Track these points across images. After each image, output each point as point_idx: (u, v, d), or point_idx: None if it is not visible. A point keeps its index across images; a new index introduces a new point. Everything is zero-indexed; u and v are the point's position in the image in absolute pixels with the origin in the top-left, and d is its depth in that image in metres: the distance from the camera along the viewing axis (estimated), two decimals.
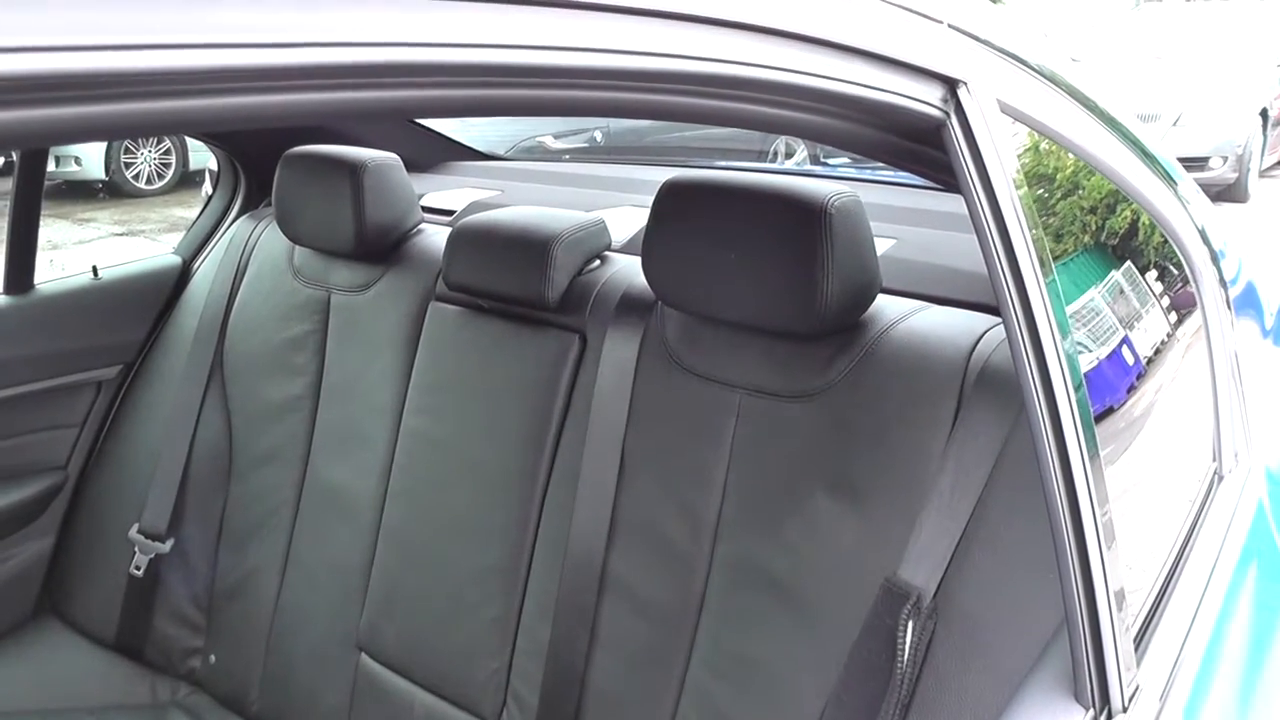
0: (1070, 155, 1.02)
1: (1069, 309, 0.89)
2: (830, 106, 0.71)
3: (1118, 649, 0.76)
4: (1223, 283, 1.24)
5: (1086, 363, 0.93)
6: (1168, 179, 1.24)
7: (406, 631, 1.65)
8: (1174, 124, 9.25)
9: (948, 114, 0.76)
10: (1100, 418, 0.92)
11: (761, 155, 4.74)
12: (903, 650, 1.04)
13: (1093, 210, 1.14)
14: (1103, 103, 1.06)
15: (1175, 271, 1.29)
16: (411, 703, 1.64)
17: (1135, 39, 11.32)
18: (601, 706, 1.40)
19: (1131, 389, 1.10)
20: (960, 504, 1.07)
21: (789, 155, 4.89)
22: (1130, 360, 1.10)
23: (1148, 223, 1.23)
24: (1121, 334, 1.10)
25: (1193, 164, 9.06)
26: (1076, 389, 0.82)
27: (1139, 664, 0.81)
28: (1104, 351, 1.05)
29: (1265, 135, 9.95)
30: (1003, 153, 0.78)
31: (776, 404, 1.26)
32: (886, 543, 1.12)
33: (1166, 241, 1.27)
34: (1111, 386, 1.05)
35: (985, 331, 1.17)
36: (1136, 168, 1.14)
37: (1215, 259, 1.25)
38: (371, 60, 0.42)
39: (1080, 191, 1.11)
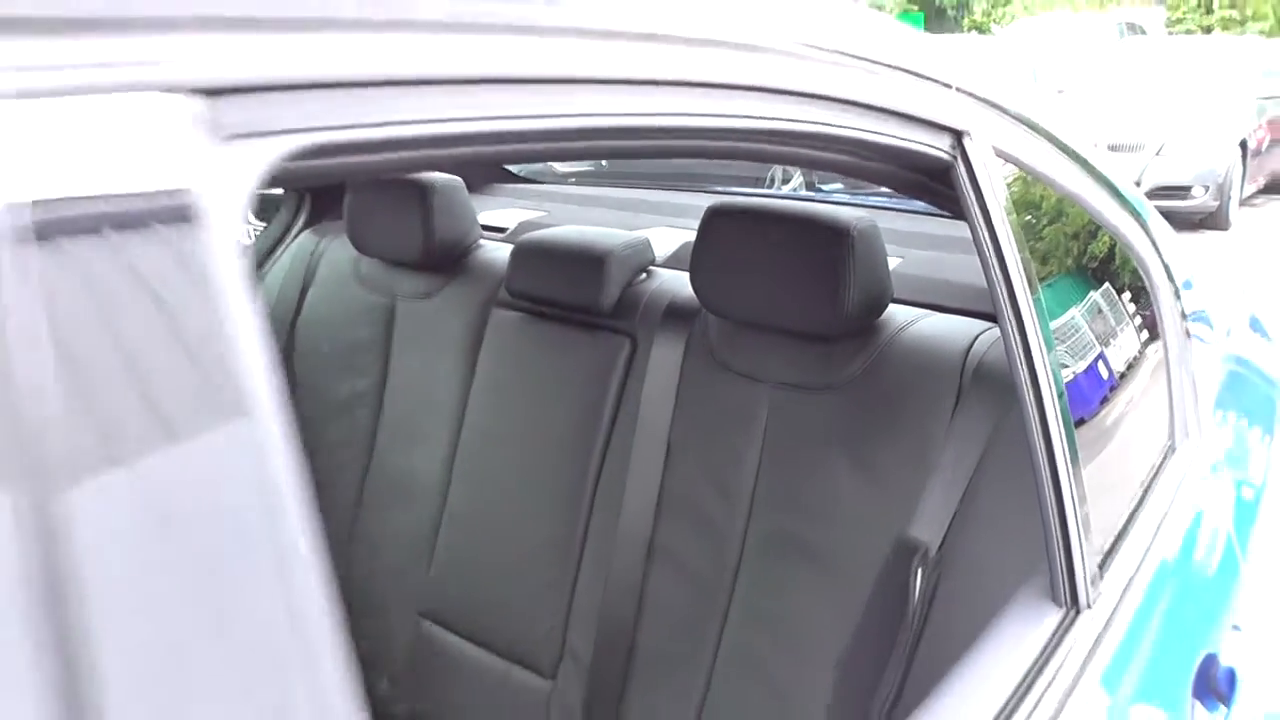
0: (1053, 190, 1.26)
1: (1053, 322, 1.13)
2: (868, 153, 0.94)
3: (1085, 564, 0.99)
4: (1178, 296, 1.48)
5: (1062, 355, 1.17)
6: (1135, 214, 1.48)
7: (468, 596, 1.88)
8: (1157, 153, 9.52)
9: (955, 158, 0.99)
10: (1073, 403, 1.16)
11: (759, 181, 4.99)
12: (914, 593, 1.27)
13: (1075, 236, 1.39)
14: (1077, 146, 1.30)
15: (1139, 288, 1.53)
16: (472, 660, 1.86)
17: (1120, 71, 11.61)
18: (648, 662, 1.63)
19: (1100, 381, 1.34)
20: (960, 475, 1.31)
21: (785, 181, 5.14)
22: (1097, 357, 1.34)
23: (1119, 249, 1.47)
24: (1090, 337, 1.34)
25: (1175, 192, 9.32)
26: (1055, 378, 1.06)
27: (1102, 579, 1.04)
28: (1078, 350, 1.29)
29: (1245, 165, 10.23)
30: (998, 190, 1.02)
31: (804, 395, 1.50)
32: (899, 509, 1.36)
33: (1134, 267, 1.51)
34: (1084, 379, 1.29)
35: (978, 335, 1.41)
36: (1107, 203, 1.38)
37: (1171, 278, 1.49)
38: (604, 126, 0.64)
39: (1064, 218, 1.35)
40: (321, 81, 0.45)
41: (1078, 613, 0.98)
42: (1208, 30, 20.03)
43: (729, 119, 0.78)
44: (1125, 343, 1.44)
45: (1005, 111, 1.11)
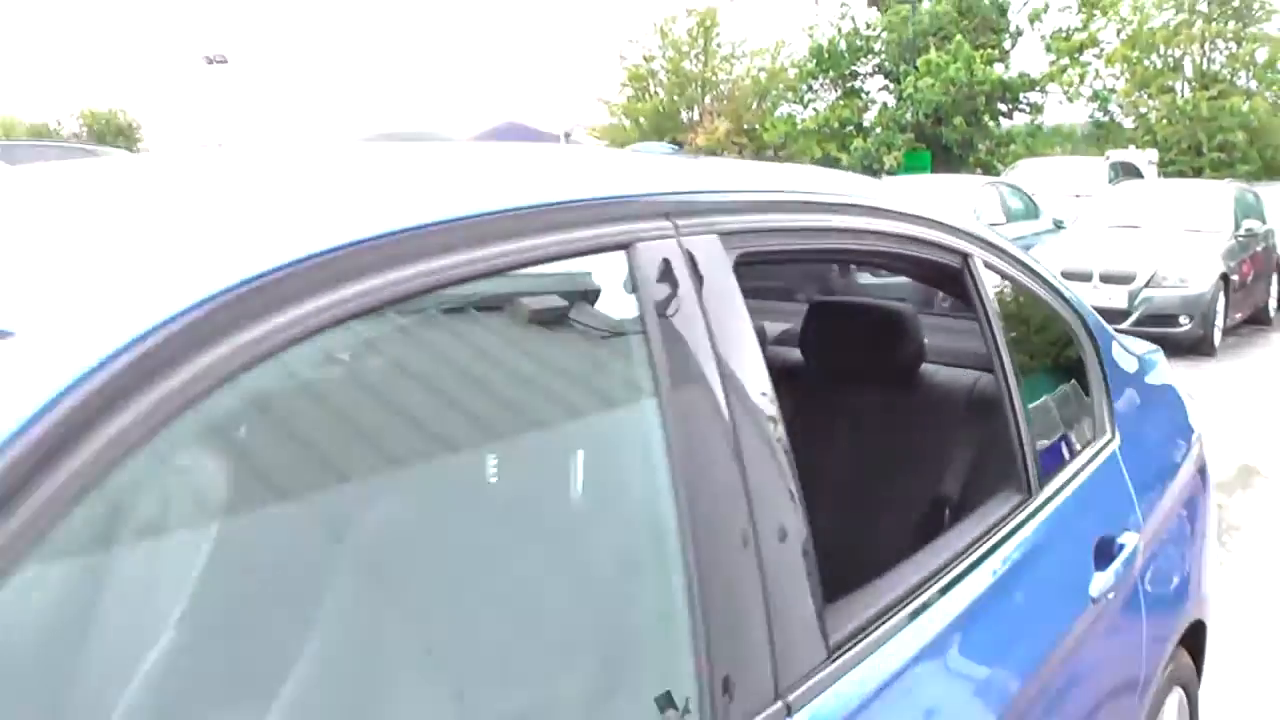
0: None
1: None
2: (921, 263, 1.85)
3: (1029, 468, 1.83)
4: (1099, 357, 2.33)
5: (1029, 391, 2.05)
6: (1074, 307, 2.36)
7: None
8: (1147, 284, 10.45)
9: (964, 269, 1.89)
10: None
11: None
12: (947, 516, 2.13)
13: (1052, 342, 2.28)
14: (1035, 264, 2.20)
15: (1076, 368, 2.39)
16: None
17: (1114, 209, 12.67)
18: None
19: (1048, 388, 2.21)
20: (965, 455, 2.18)
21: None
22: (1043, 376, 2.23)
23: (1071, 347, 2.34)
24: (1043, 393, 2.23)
25: (1164, 321, 10.21)
26: (1023, 398, 1.93)
27: (1041, 483, 1.88)
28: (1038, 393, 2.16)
29: (1228, 298, 11.14)
30: (989, 287, 1.91)
31: (874, 417, 2.38)
32: (933, 482, 2.22)
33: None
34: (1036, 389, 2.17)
35: (975, 380, 2.30)
36: (1054, 295, 2.26)
37: (1094, 339, 2.34)
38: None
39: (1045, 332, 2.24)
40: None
41: (1030, 496, 1.82)
42: (1198, 172, 21.31)
43: (868, 241, 1.69)
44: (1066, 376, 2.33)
45: (990, 243, 2.02)
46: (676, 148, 20.41)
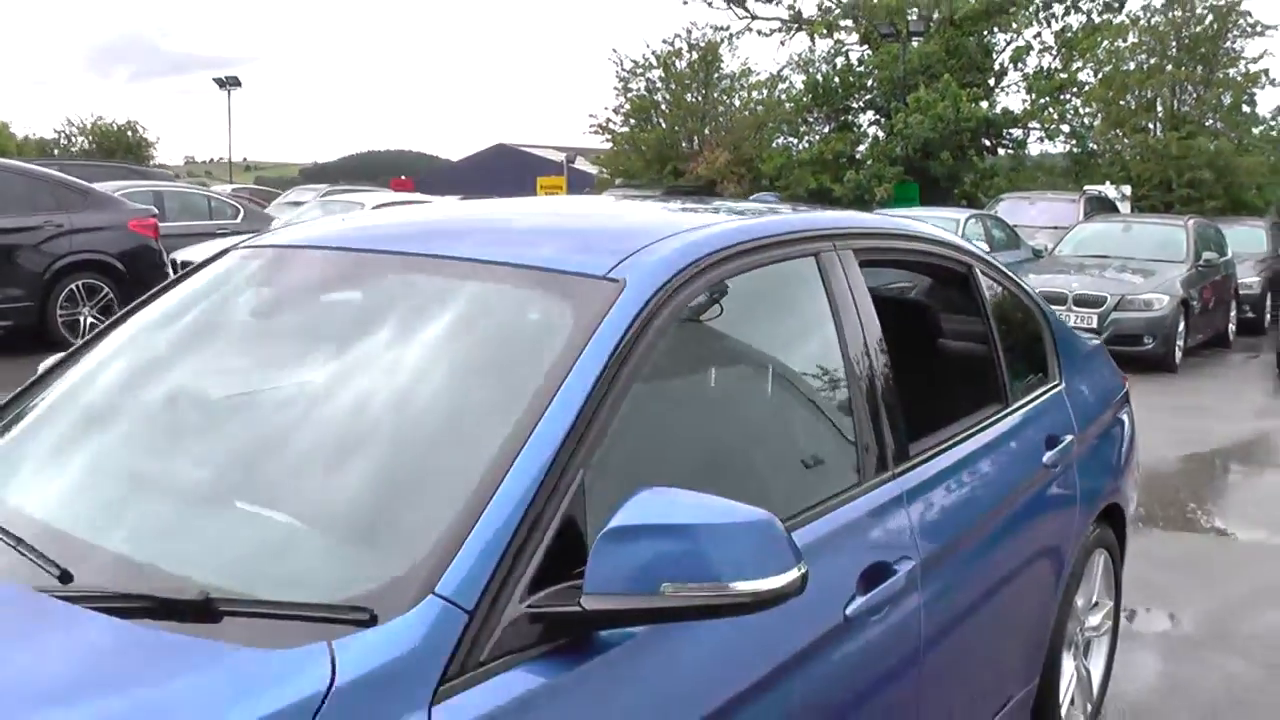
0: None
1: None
2: (945, 272, 3.13)
3: (1007, 391, 3.08)
4: (1053, 334, 3.60)
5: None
6: (1036, 300, 3.62)
7: None
8: (1115, 307, 11.78)
9: (969, 274, 3.16)
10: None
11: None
12: None
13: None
14: (1017, 278, 3.47)
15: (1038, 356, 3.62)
16: None
17: (1086, 241, 14.08)
18: None
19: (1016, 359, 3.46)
20: None
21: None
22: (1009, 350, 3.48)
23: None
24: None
25: (1130, 340, 11.51)
26: (1004, 358, 3.19)
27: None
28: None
29: (1188, 322, 12.47)
30: (984, 288, 3.17)
31: (921, 359, 3.64)
32: (956, 396, 3.45)
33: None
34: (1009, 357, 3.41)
35: (973, 347, 3.55)
36: (1024, 291, 3.52)
37: (1049, 324, 3.60)
38: None
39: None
40: None
41: (1006, 405, 3.08)
42: (1169, 206, 22.74)
43: (918, 255, 2.96)
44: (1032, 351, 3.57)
45: (983, 259, 3.29)
46: (776, 196, 22.38)
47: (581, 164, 41.27)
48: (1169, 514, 6.44)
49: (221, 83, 47.51)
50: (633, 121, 31.69)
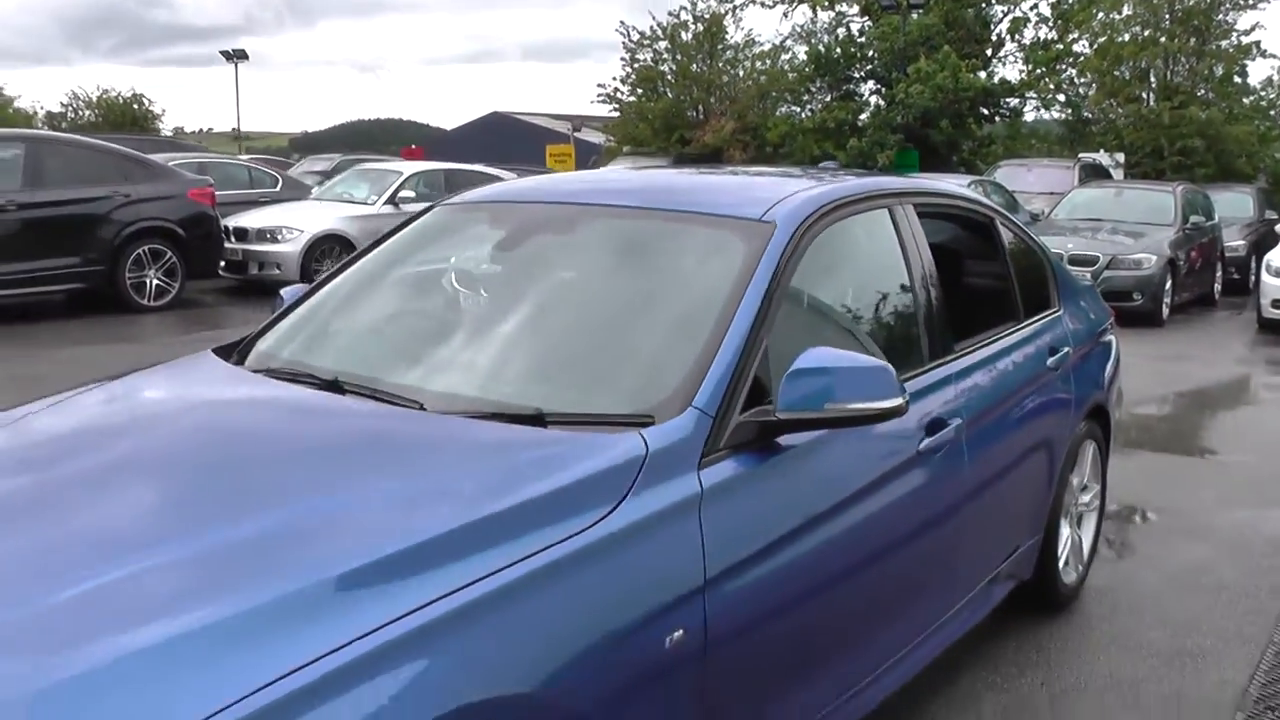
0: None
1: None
2: (975, 223, 4.10)
3: (1019, 310, 4.04)
4: (1054, 274, 4.56)
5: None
6: (1043, 248, 4.59)
7: None
8: (1108, 266, 12.76)
9: (991, 225, 4.14)
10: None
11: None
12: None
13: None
14: (1025, 227, 4.44)
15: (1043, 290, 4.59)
16: None
17: (1081, 206, 15.07)
18: None
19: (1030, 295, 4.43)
20: None
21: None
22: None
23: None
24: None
25: (1121, 297, 12.50)
26: (1018, 288, 4.17)
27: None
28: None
29: (1175, 280, 13.47)
30: (1005, 234, 4.15)
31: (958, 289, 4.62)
32: (984, 312, 4.44)
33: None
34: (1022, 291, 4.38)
35: (993, 283, 4.52)
36: (1033, 241, 4.49)
37: (1052, 268, 4.58)
38: None
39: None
40: None
41: (1019, 322, 4.03)
42: (1160, 174, 23.67)
43: (957, 210, 3.93)
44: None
45: (1001, 212, 4.26)
46: (836, 163, 23.56)
47: (585, 133, 42.01)
48: (1154, 439, 7.46)
49: (229, 55, 48.16)
50: (640, 91, 32.50)
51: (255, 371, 3.00)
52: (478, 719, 1.76)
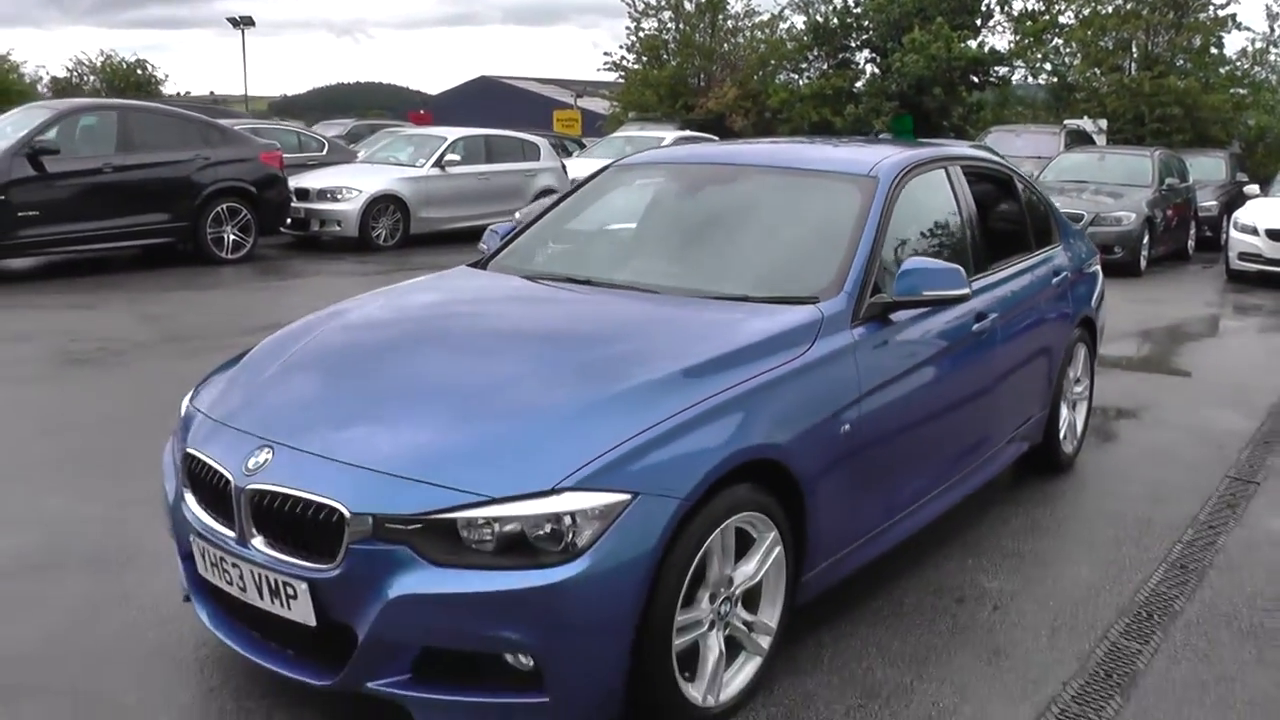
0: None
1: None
2: (992, 178, 5.54)
3: (1031, 243, 5.47)
4: (1068, 241, 5.98)
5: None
6: (1048, 203, 6.02)
7: None
8: (1091, 223, 14.22)
9: (1011, 179, 5.57)
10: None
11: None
12: None
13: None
14: (1034, 184, 5.86)
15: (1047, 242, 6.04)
16: None
17: (1066, 170, 16.54)
18: None
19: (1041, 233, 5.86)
20: None
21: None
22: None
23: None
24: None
25: (1104, 250, 13.85)
26: (1030, 226, 5.62)
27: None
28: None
29: (1153, 236, 14.95)
30: (1020, 188, 5.58)
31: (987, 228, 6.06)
32: (1004, 243, 5.87)
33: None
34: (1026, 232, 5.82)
35: (1009, 224, 5.96)
36: (1040, 198, 5.92)
37: (1053, 215, 6.00)
38: None
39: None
40: None
41: (1030, 251, 5.45)
42: (1140, 139, 25.13)
43: (989, 170, 5.36)
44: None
45: (1016, 171, 5.70)
46: (891, 134, 25.12)
47: (583, 101, 43.14)
48: (1133, 363, 8.97)
49: (235, 22, 49.07)
50: (645, 59, 33.76)
51: (514, 276, 4.43)
52: (756, 454, 3.20)
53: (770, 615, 3.41)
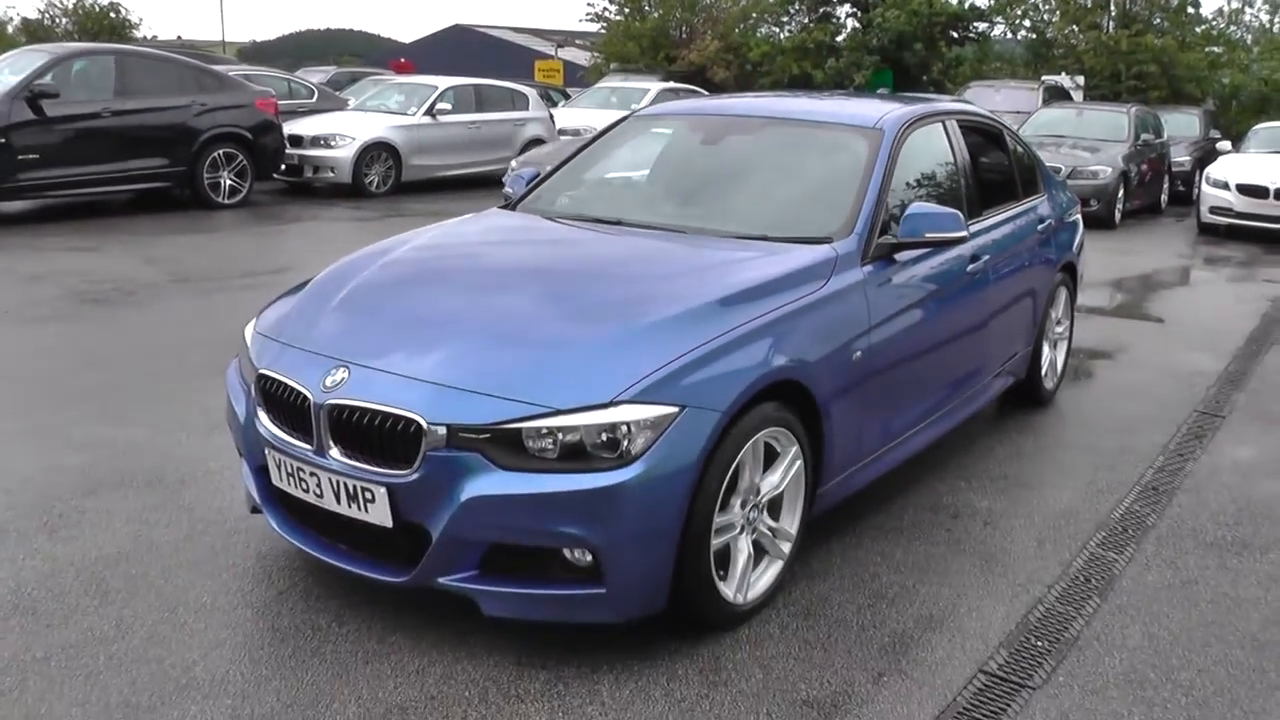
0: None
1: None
2: (983, 132, 5.90)
3: (1019, 193, 5.86)
4: (1052, 191, 6.36)
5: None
6: (1034, 155, 6.39)
7: None
8: (1069, 176, 14.62)
9: (1001, 134, 5.93)
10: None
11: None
12: None
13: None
14: (1020, 137, 6.23)
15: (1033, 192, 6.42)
16: None
17: (1045, 125, 16.93)
18: None
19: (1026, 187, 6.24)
20: None
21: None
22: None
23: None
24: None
25: (1081, 202, 14.40)
26: (1019, 178, 6.00)
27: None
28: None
29: (1127, 189, 15.38)
30: (1009, 139, 5.94)
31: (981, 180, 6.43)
32: (991, 192, 6.25)
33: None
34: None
35: (1001, 175, 6.33)
36: (1026, 151, 6.29)
37: (1038, 172, 6.38)
38: None
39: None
40: None
41: (1017, 199, 5.84)
42: (1117, 96, 25.53)
43: (980, 124, 5.72)
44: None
45: (1005, 126, 6.06)
46: (889, 90, 25.43)
47: (563, 52, 43.09)
48: (1108, 309, 9.41)
49: None
50: (627, 10, 33.81)
51: (545, 218, 4.77)
52: (782, 375, 3.57)
53: (791, 523, 3.80)
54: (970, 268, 4.85)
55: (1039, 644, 3.62)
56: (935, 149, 5.12)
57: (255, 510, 3.87)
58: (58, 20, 53.56)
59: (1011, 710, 3.23)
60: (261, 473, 3.74)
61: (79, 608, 3.64)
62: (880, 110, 4.86)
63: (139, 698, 3.13)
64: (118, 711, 3.07)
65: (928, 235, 4.28)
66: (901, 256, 4.37)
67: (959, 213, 4.35)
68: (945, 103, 5.91)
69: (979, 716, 3.20)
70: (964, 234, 4.35)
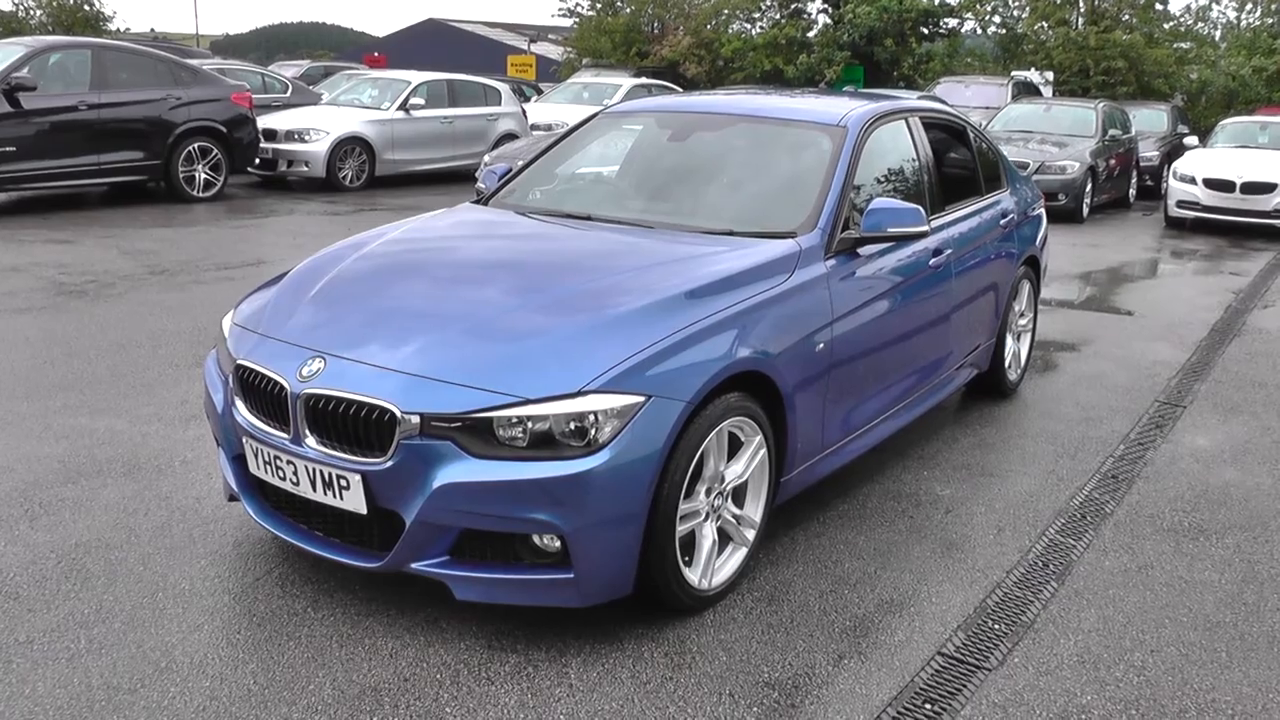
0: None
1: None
2: (949, 128, 6.02)
3: (982, 188, 6.00)
4: (1015, 186, 6.50)
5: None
6: (998, 152, 6.53)
7: None
8: (1037, 171, 14.81)
9: (965, 130, 6.06)
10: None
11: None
12: None
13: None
14: (984, 133, 6.35)
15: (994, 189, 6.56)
16: None
17: (1013, 120, 17.12)
18: None
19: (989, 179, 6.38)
20: None
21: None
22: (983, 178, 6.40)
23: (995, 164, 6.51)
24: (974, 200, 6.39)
25: (1047, 197, 14.46)
26: (981, 173, 6.13)
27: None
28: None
29: (1095, 184, 15.59)
30: (974, 138, 6.07)
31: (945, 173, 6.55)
32: (957, 187, 6.38)
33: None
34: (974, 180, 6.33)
35: (964, 171, 6.46)
36: (990, 145, 6.43)
37: (1003, 167, 6.52)
38: None
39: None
40: None
41: (981, 194, 5.97)
42: (1086, 91, 25.81)
43: (943, 121, 5.84)
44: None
45: (969, 122, 6.18)
46: (856, 87, 25.58)
47: (535, 46, 43.07)
48: (1074, 302, 9.56)
49: None
50: (599, 5, 33.84)
51: (517, 212, 4.86)
52: (746, 366, 3.68)
53: (755, 510, 3.91)
54: (933, 261, 4.97)
55: (996, 627, 3.74)
56: (899, 146, 5.23)
57: (233, 498, 3.95)
58: (31, 12, 53.07)
59: (967, 690, 3.35)
60: (239, 461, 3.82)
61: (60, 593, 3.71)
62: (844, 108, 4.97)
63: (119, 679, 3.21)
64: (99, 693, 3.15)
65: (890, 230, 4.38)
66: (865, 251, 4.48)
67: (920, 208, 4.46)
68: (909, 100, 6.03)
69: (935, 696, 3.32)
70: (925, 228, 4.46)
